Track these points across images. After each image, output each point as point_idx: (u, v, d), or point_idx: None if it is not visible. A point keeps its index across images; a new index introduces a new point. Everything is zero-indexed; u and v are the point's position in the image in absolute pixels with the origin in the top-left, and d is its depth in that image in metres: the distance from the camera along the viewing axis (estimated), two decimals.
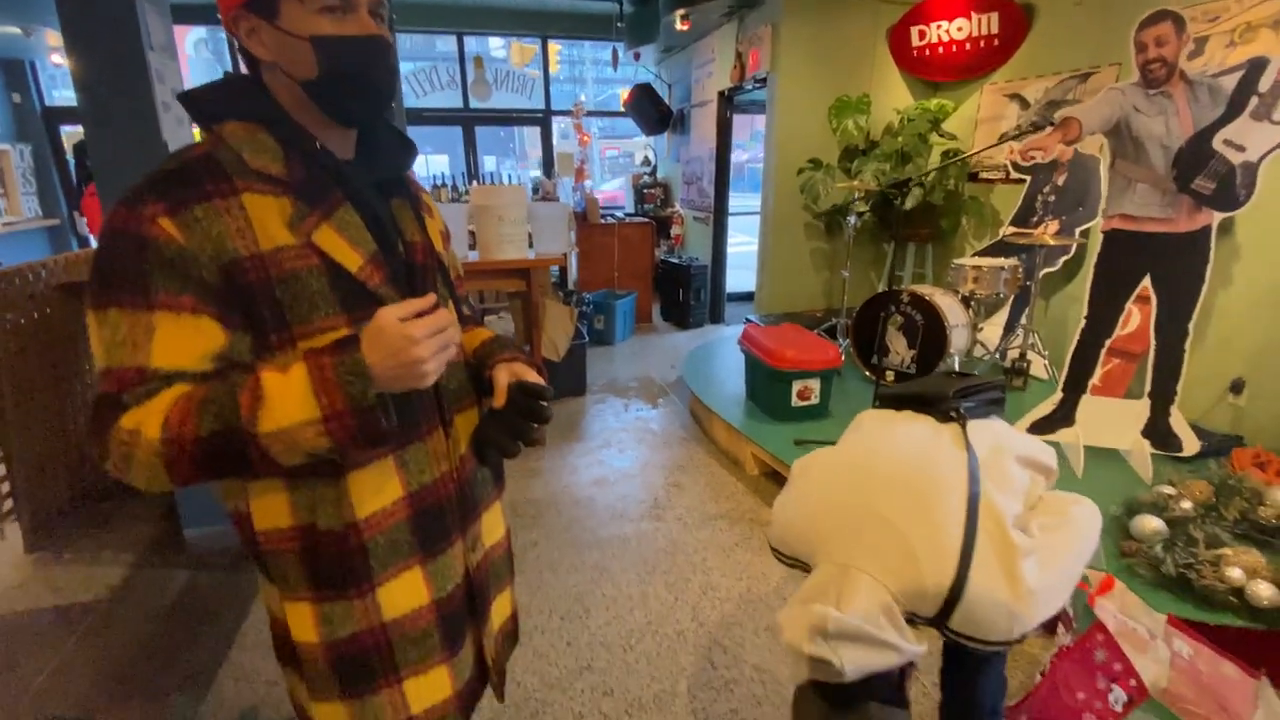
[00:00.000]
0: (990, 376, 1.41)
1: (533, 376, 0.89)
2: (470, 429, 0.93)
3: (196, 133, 2.37)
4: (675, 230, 6.51)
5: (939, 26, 4.11)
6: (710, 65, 5.53)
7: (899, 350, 3.35)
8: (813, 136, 4.54)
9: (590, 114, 7.37)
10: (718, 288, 5.84)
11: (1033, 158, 3.56)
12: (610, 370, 4.61)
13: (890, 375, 3.36)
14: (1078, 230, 3.34)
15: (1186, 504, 2.00)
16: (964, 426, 1.15)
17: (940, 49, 4.15)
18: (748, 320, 4.48)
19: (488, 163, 9.60)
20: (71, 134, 6.14)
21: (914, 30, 4.24)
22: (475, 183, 6.26)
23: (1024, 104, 3.80)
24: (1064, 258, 3.47)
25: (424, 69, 6.68)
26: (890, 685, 0.98)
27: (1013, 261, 3.29)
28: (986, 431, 1.19)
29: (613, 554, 2.45)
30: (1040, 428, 2.82)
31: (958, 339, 3.18)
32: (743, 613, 2.11)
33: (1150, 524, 1.93)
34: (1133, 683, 1.45)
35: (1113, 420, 2.75)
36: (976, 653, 1.05)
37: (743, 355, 3.32)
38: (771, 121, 4.65)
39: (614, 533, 2.59)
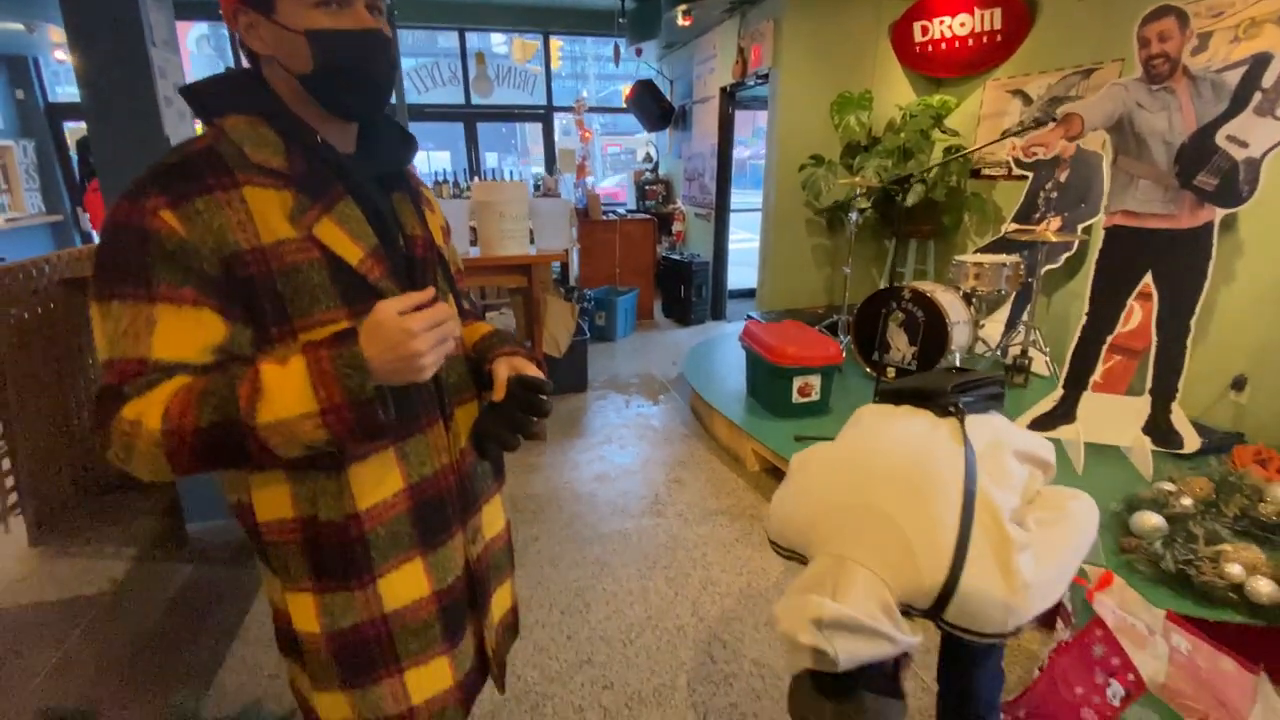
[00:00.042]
0: (990, 373, 1.42)
1: (532, 370, 0.89)
2: (470, 422, 0.94)
3: (198, 127, 2.38)
4: (677, 227, 6.51)
5: (942, 22, 4.09)
6: (712, 61, 5.52)
7: (900, 347, 3.34)
8: (814, 132, 4.53)
9: (592, 110, 7.37)
10: (719, 284, 5.84)
11: (1035, 154, 3.54)
12: (611, 366, 4.62)
13: (891, 372, 3.36)
14: (1080, 227, 3.33)
15: (1187, 500, 2.00)
16: (962, 421, 1.15)
17: (943, 45, 4.13)
18: (749, 317, 4.48)
19: (489, 159, 9.60)
20: (74, 130, 6.16)
21: (916, 26, 4.23)
22: (477, 179, 6.26)
23: (1026, 100, 3.79)
24: (1066, 254, 3.46)
25: (426, 65, 6.69)
26: (885, 676, 0.99)
27: (1014, 258, 3.28)
28: (985, 426, 1.19)
29: (613, 549, 2.46)
30: (1041, 424, 2.82)
31: (959, 336, 3.17)
32: (742, 608, 2.12)
33: (1150, 520, 1.93)
34: (1131, 677, 1.46)
35: (1114, 417, 2.74)
36: (973, 645, 1.05)
37: (744, 352, 3.33)
38: (773, 118, 4.64)
39: (615, 528, 2.60)
